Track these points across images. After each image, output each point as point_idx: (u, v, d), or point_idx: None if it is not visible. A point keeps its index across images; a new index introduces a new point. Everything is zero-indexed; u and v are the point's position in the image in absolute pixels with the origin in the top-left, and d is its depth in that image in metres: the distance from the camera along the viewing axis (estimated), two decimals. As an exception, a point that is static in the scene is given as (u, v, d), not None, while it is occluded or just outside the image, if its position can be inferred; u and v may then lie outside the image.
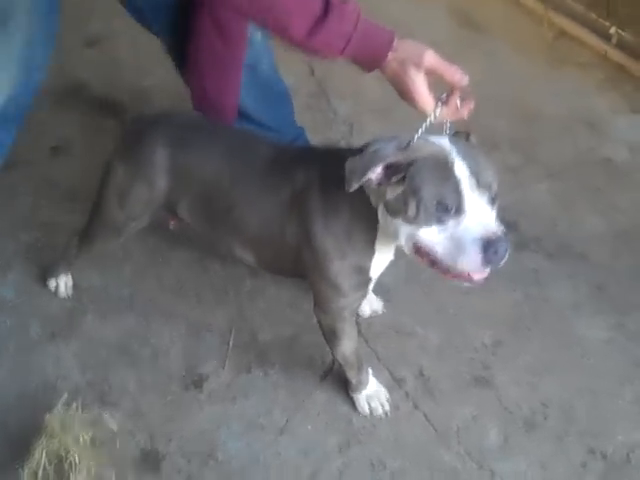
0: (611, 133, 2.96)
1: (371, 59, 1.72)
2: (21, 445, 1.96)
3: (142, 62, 3.17)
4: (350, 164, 1.60)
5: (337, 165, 1.63)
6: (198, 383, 2.19)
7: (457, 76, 1.70)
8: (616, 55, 3.18)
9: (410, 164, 1.57)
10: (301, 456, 2.03)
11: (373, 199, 1.69)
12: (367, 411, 2.10)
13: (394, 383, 2.19)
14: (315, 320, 2.01)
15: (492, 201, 1.60)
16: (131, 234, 2.16)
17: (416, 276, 2.45)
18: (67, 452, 1.93)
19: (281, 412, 2.12)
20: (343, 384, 2.15)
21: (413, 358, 2.25)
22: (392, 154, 1.59)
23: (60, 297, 2.37)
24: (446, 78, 1.70)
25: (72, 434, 1.96)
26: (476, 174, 1.56)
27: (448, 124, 1.75)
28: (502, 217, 2.55)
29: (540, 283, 2.46)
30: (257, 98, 2.35)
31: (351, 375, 2.07)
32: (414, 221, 1.59)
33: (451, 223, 1.56)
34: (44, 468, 1.90)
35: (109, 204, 2.05)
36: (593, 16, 3.26)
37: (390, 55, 1.69)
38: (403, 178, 1.58)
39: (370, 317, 2.33)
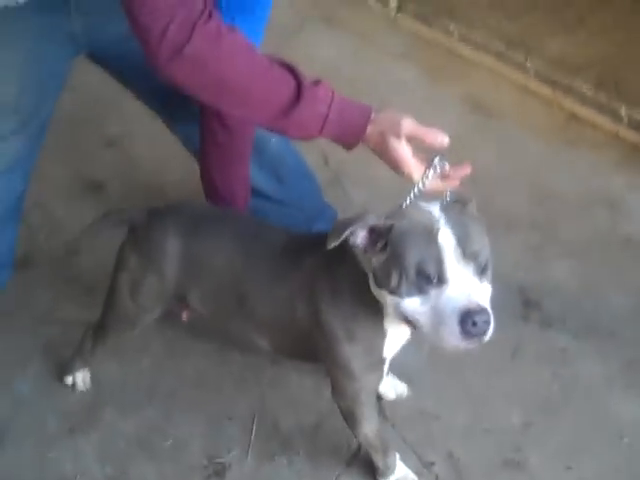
0: (630, 211, 2.94)
1: (351, 136, 1.73)
2: None
3: (160, 161, 3.20)
4: (336, 223, 1.61)
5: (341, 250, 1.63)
6: (221, 472, 2.13)
7: (438, 138, 1.70)
8: (629, 134, 3.19)
9: (390, 228, 1.56)
10: None
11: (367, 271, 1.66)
12: None
13: (423, 468, 2.12)
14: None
15: (480, 271, 1.54)
16: (145, 325, 2.14)
17: (440, 357, 2.38)
18: None
19: (309, 503, 2.04)
20: (370, 470, 2.08)
21: (441, 441, 2.18)
22: (376, 217, 1.58)
23: (78, 392, 2.33)
24: (426, 142, 1.70)
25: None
26: (463, 242, 1.52)
27: (448, 193, 1.73)
28: (525, 296, 2.61)
29: (568, 362, 2.39)
30: (269, 176, 2.36)
31: (377, 459, 2.01)
32: (397, 291, 1.54)
33: (433, 293, 1.50)
34: None
35: (121, 295, 2.04)
36: (603, 97, 3.27)
37: (369, 128, 1.71)
38: (385, 245, 1.56)
39: (395, 401, 2.26)
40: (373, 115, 1.71)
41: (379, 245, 1.58)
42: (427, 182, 1.72)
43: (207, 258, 1.93)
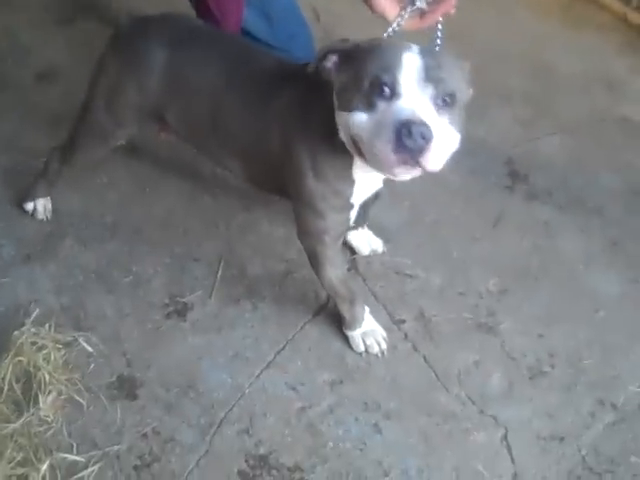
0: (629, 93, 2.84)
1: None
2: (-15, 363, 1.79)
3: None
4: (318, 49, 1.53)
5: (322, 83, 1.57)
6: (182, 312, 2.03)
7: None
8: (636, 18, 3.04)
9: (357, 46, 1.48)
10: (289, 391, 1.88)
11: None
12: (362, 348, 1.96)
13: (392, 324, 2.04)
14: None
15: (441, 101, 1.43)
16: (116, 144, 2.02)
17: (420, 218, 2.32)
18: (37, 370, 1.77)
19: (269, 346, 1.97)
20: (337, 320, 1.99)
21: (413, 300, 2.10)
22: (350, 43, 1.50)
23: (38, 219, 2.22)
24: None
25: (43, 353, 1.80)
26: (429, 68, 1.42)
27: (438, 32, 1.65)
28: (512, 168, 2.51)
29: (550, 234, 2.32)
30: (257, 14, 2.21)
31: (343, 309, 1.93)
32: (349, 106, 1.46)
33: (382, 107, 1.42)
34: (10, 385, 1.74)
35: (97, 104, 1.91)
36: (613, -23, 3.12)
37: None
38: (351, 65, 1.49)
39: (369, 256, 2.18)
40: None
41: (344, 66, 1.50)
42: (402, 21, 1.61)
43: (190, 74, 1.81)
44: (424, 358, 1.96)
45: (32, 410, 1.73)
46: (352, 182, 1.68)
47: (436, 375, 1.93)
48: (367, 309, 1.99)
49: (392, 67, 1.41)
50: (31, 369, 1.77)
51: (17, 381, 1.76)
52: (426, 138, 1.36)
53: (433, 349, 1.98)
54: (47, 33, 2.86)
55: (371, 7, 1.65)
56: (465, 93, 1.51)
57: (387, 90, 1.41)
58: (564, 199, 2.42)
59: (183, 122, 1.87)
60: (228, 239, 2.21)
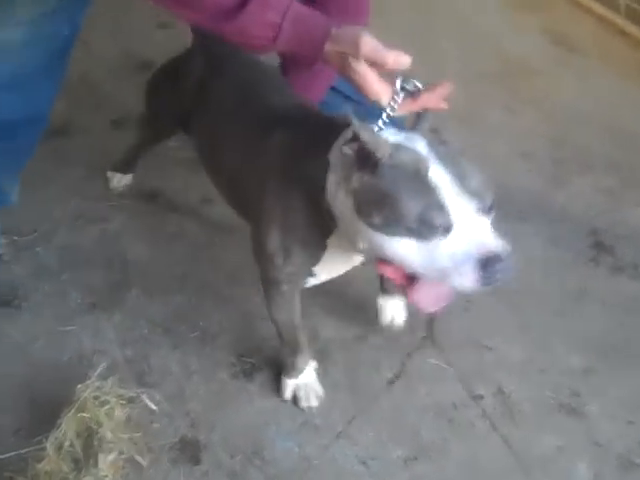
0: None
1: (308, 50, 1.50)
2: (49, 417, 1.72)
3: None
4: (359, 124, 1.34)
5: (312, 130, 1.51)
6: (249, 373, 1.95)
7: (400, 60, 1.43)
8: None
9: (381, 157, 1.33)
10: (360, 465, 1.77)
11: (332, 186, 1.43)
12: (288, 396, 1.88)
13: (470, 399, 1.92)
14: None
15: (486, 210, 1.32)
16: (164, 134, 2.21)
17: (498, 288, 2.19)
18: (98, 426, 1.69)
19: (340, 414, 1.87)
20: (413, 392, 1.88)
21: (491, 374, 1.99)
22: (374, 132, 1.37)
23: (111, 188, 2.42)
24: (388, 66, 1.44)
25: (105, 408, 1.72)
26: (459, 179, 1.30)
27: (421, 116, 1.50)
28: (596, 239, 2.39)
29: (638, 311, 2.18)
30: None
31: (285, 352, 1.85)
32: (382, 229, 1.32)
33: (436, 241, 1.28)
34: (70, 441, 1.65)
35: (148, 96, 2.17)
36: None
37: (328, 46, 1.47)
38: (375, 170, 1.33)
39: (446, 326, 2.07)
40: (333, 31, 1.47)
41: (368, 167, 1.35)
42: (396, 106, 1.47)
43: (213, 89, 1.87)
44: (503, 438, 1.84)
45: (91, 469, 1.63)
46: (322, 248, 1.58)
47: (516, 458, 1.80)
48: (313, 364, 1.91)
49: (434, 200, 1.27)
50: (93, 425, 1.68)
51: (78, 437, 1.68)
52: (509, 267, 1.28)
53: (513, 429, 1.86)
54: (124, 80, 2.84)
55: (365, 96, 1.51)
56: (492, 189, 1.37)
57: (439, 226, 1.28)
58: (653, 274, 2.29)
59: (196, 135, 1.95)
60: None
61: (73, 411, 1.68)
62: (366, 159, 1.34)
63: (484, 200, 1.30)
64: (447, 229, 1.28)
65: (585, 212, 2.49)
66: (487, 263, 1.25)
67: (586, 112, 2.88)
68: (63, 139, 2.59)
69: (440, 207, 1.27)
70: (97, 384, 1.76)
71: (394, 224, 1.29)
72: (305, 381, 1.88)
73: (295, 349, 1.83)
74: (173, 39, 2.99)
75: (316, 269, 1.63)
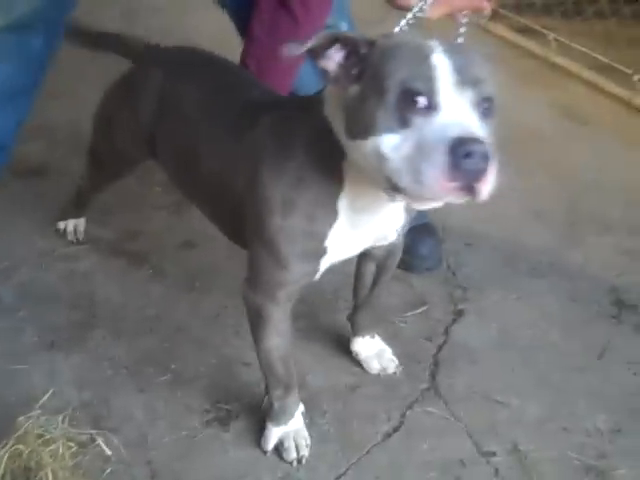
0: None
1: None
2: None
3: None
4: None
5: (294, 106, 1.42)
6: (224, 421, 1.68)
7: None
8: None
9: (372, 46, 1.21)
10: (351, 526, 1.47)
11: (336, 118, 1.29)
12: (270, 447, 1.60)
13: (480, 456, 1.65)
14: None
15: (482, 108, 1.17)
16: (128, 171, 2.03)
17: (511, 342, 1.97)
18: (39, 468, 1.41)
19: (328, 469, 1.59)
20: (412, 447, 1.62)
21: (505, 430, 1.72)
22: (360, 37, 1.23)
23: (68, 239, 2.19)
24: None
25: (50, 449, 1.45)
26: (461, 67, 1.16)
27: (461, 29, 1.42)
28: (617, 297, 2.17)
29: (667, 371, 1.93)
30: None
31: (274, 395, 1.59)
32: (373, 127, 1.17)
33: (419, 122, 1.14)
34: (2, 478, 1.38)
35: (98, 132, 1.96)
36: None
37: None
38: (363, 71, 1.21)
39: (452, 380, 1.82)
40: None
41: (355, 71, 1.22)
42: (426, 6, 1.36)
43: (175, 99, 1.68)
44: (521, 502, 1.55)
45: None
46: (334, 216, 1.37)
47: (537, 526, 1.51)
48: (301, 407, 1.65)
49: (424, 71, 1.15)
50: (32, 464, 1.40)
51: (13, 478, 1.40)
52: (487, 158, 1.10)
53: (532, 492, 1.58)
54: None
55: (394, 2, 1.38)
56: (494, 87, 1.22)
57: (423, 101, 1.14)
58: (680, 333, 2.05)
59: (166, 152, 1.73)
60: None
61: (9, 444, 1.40)
62: (353, 66, 1.22)
63: (482, 92, 1.16)
64: (431, 109, 1.14)
65: (605, 271, 2.27)
66: (460, 143, 1.09)
67: (597, 176, 2.72)
68: (38, 179, 2.43)
69: (428, 79, 1.14)
70: (43, 419, 1.49)
71: (381, 111, 1.16)
72: (294, 428, 1.62)
73: (288, 385, 1.58)
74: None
75: (328, 243, 1.40)
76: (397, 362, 1.84)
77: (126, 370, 1.79)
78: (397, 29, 1.31)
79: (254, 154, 1.43)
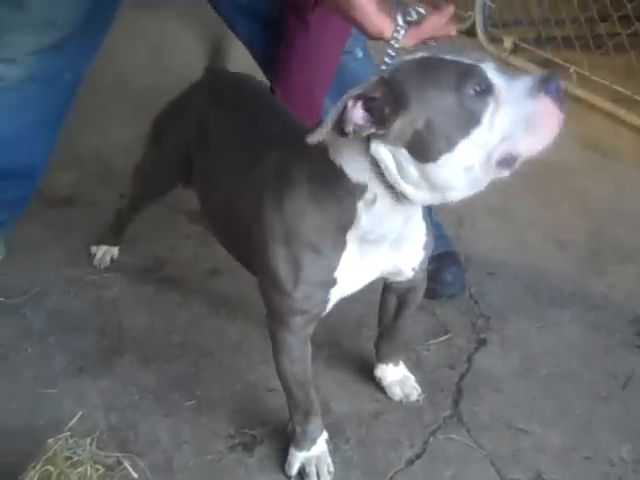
0: None
1: None
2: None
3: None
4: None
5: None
6: (249, 446, 1.70)
7: None
8: None
9: (383, 83, 1.22)
10: None
11: (352, 161, 1.31)
12: (293, 473, 1.62)
13: (503, 485, 1.64)
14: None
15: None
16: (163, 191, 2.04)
17: (534, 371, 1.98)
18: (66, 487, 1.43)
19: (352, 495, 1.59)
20: (436, 473, 1.62)
21: (529, 459, 1.72)
22: (361, 86, 1.23)
23: (94, 265, 2.22)
24: None
25: (78, 471, 1.47)
26: (476, 59, 1.25)
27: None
28: (641, 327, 2.18)
29: (692, 402, 1.92)
30: None
31: (296, 419, 1.60)
32: (454, 137, 1.21)
33: (491, 109, 1.21)
34: (32, 500, 1.40)
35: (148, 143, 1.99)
36: None
37: None
38: (397, 104, 1.22)
39: (476, 407, 1.83)
40: None
41: (387, 110, 1.22)
42: (400, 37, 1.35)
43: (211, 125, 1.72)
44: (546, 531, 1.55)
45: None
46: (343, 246, 1.39)
47: None
48: (325, 434, 1.66)
49: (461, 67, 1.22)
50: (60, 485, 1.43)
51: (41, 497, 1.42)
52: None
53: (557, 522, 1.58)
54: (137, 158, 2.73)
55: (367, 32, 1.39)
56: None
57: (481, 87, 1.22)
58: None
59: (197, 178, 1.77)
60: (312, 372, 1.88)
61: (39, 465, 1.43)
62: (380, 109, 1.23)
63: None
64: (488, 90, 1.21)
65: (628, 300, 2.27)
66: (544, 81, 1.22)
67: (620, 206, 2.72)
68: (67, 208, 2.47)
69: (470, 68, 1.23)
70: (72, 441, 1.51)
71: (448, 123, 1.21)
72: (316, 453, 1.63)
73: (308, 411, 1.60)
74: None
75: (338, 274, 1.41)
76: (420, 390, 1.85)
77: (152, 395, 1.82)
78: (386, 60, 1.34)
79: (259, 187, 1.46)
